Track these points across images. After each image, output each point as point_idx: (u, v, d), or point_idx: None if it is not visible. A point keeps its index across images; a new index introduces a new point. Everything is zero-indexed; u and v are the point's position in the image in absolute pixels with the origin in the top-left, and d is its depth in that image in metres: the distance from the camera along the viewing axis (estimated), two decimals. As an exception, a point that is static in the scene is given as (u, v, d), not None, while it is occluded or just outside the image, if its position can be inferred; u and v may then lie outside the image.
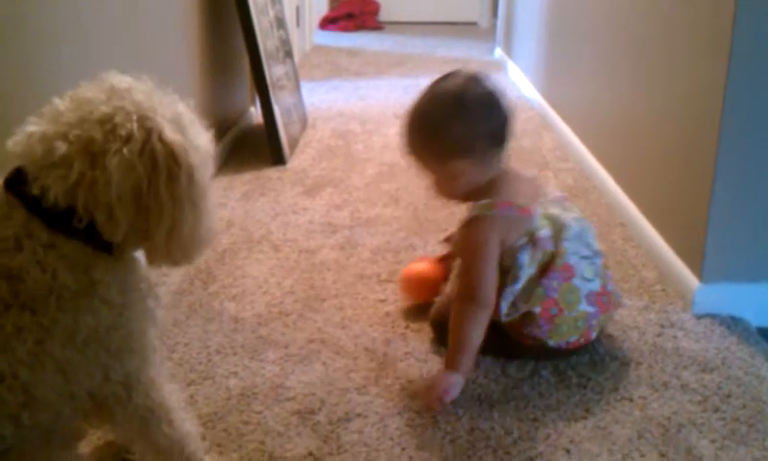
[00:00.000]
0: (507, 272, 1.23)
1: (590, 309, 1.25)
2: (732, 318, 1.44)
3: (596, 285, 1.25)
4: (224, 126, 2.46)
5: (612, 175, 2.05)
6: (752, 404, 1.19)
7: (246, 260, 1.68)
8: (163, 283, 1.56)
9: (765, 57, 1.34)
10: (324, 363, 1.29)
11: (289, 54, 2.85)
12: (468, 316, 1.20)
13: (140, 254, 0.88)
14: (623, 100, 1.99)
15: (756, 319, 1.44)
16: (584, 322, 1.25)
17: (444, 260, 1.48)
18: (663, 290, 1.55)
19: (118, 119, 0.79)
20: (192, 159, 0.81)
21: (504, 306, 1.23)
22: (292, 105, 2.65)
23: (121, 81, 0.83)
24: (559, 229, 1.25)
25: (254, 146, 2.55)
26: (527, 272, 1.22)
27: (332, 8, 5.85)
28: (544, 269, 1.23)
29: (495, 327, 1.25)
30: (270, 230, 1.85)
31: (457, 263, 1.31)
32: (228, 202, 2.04)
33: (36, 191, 0.78)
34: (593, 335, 1.28)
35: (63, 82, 1.29)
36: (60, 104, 0.81)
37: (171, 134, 0.80)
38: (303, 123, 2.80)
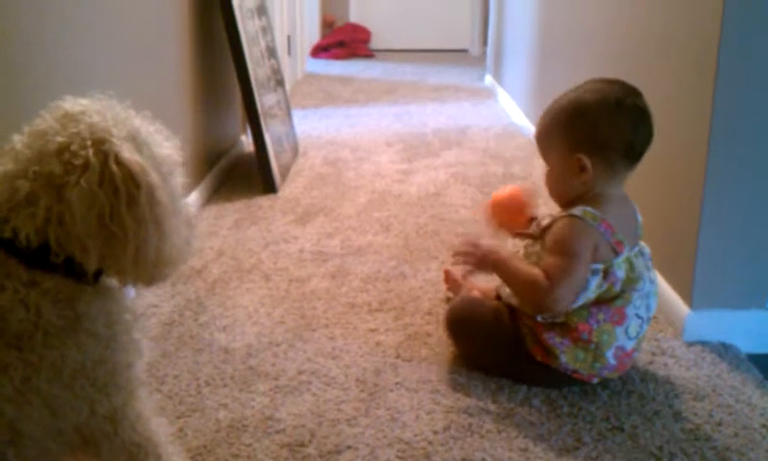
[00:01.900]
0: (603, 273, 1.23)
1: (612, 362, 1.25)
2: (723, 345, 1.44)
3: (630, 345, 1.26)
4: (215, 155, 2.46)
5: (602, 202, 2.05)
6: (743, 433, 1.18)
7: (236, 290, 1.67)
8: (153, 314, 1.55)
9: (750, 84, 1.35)
10: (314, 394, 1.28)
11: (280, 82, 2.87)
12: (529, 291, 1.23)
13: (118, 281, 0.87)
14: (612, 127, 2.01)
15: (746, 346, 1.44)
16: (599, 368, 1.26)
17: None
18: (654, 317, 1.55)
19: (74, 147, 0.77)
20: (151, 178, 0.79)
21: (585, 297, 1.23)
22: (283, 133, 2.66)
23: (74, 105, 0.82)
24: (634, 278, 1.24)
25: (246, 175, 2.55)
26: (586, 296, 1.22)
27: (324, 36, 5.90)
28: (600, 300, 1.23)
29: (512, 331, 1.30)
30: (261, 259, 1.85)
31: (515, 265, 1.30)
32: (219, 230, 2.04)
33: (7, 234, 0.77)
34: (595, 380, 1.29)
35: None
36: (19, 140, 0.80)
37: (128, 155, 0.78)
38: (295, 151, 2.81)
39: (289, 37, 4.18)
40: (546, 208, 1.48)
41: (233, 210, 2.20)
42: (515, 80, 3.56)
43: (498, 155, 2.84)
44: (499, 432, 1.18)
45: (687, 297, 1.47)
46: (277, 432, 1.18)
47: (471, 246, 1.32)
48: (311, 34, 5.51)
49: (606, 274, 1.22)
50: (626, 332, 1.24)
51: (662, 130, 1.63)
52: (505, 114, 3.58)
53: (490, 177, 2.55)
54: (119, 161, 0.77)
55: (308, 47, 5.35)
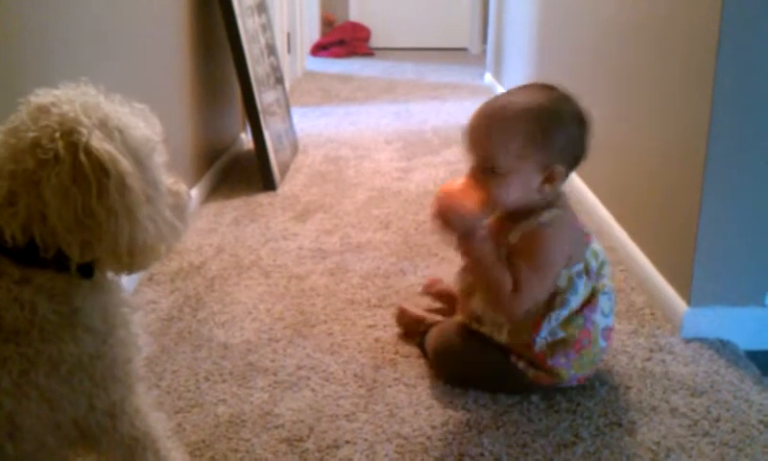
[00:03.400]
0: (556, 295, 1.20)
1: (603, 344, 1.25)
2: (721, 341, 1.44)
3: (610, 321, 1.26)
4: (215, 152, 2.47)
5: (601, 199, 2.06)
6: (741, 429, 1.19)
7: (235, 287, 1.68)
8: (152, 310, 1.55)
9: (749, 82, 1.35)
10: (313, 390, 1.29)
11: (280, 80, 2.87)
12: (502, 298, 1.17)
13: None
14: (611, 126, 2.01)
15: (744, 342, 1.44)
16: (599, 357, 1.26)
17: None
18: (652, 314, 1.55)
19: (44, 141, 0.76)
20: (121, 166, 0.77)
21: (545, 331, 1.21)
22: (283, 131, 2.67)
23: (45, 97, 0.80)
24: (600, 264, 1.24)
25: (245, 172, 2.55)
26: (578, 300, 1.21)
27: (323, 34, 5.90)
28: (587, 300, 1.22)
29: (509, 371, 1.25)
30: (260, 255, 1.85)
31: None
32: (219, 227, 2.04)
33: None
34: (593, 372, 1.29)
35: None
36: None
37: (96, 144, 0.76)
38: (294, 149, 2.81)
39: (289, 35, 4.18)
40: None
41: (233, 207, 2.20)
42: (514, 78, 3.56)
43: (498, 152, 2.84)
44: (498, 428, 1.19)
45: (686, 293, 1.47)
46: (276, 427, 1.19)
47: (461, 213, 1.16)
48: (311, 32, 5.51)
49: (587, 272, 1.21)
50: (602, 313, 1.24)
51: (662, 127, 1.63)
52: (504, 112, 3.57)
53: (489, 174, 2.55)
54: (88, 151, 0.76)
55: (308, 45, 5.35)
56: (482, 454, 1.13)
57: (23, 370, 0.77)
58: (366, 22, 5.94)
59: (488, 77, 4.40)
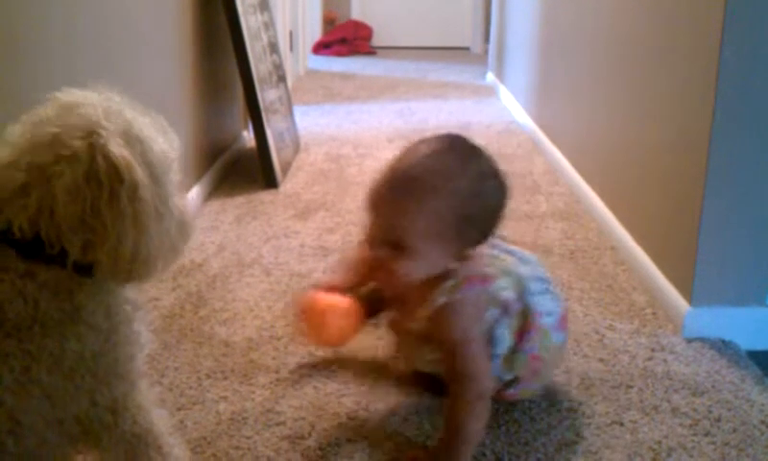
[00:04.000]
0: (486, 347, 1.13)
1: (562, 337, 1.22)
2: (722, 341, 1.44)
3: (558, 310, 1.22)
4: (216, 150, 2.47)
5: (603, 199, 2.06)
6: (742, 429, 1.19)
7: (237, 284, 1.68)
8: (154, 307, 1.55)
9: (752, 81, 1.35)
10: (314, 387, 1.29)
11: (282, 78, 2.87)
12: (482, 416, 1.08)
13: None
14: (614, 124, 2.01)
15: (745, 342, 1.44)
16: (560, 350, 1.24)
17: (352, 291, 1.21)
18: (654, 314, 1.55)
19: (65, 139, 0.76)
20: (136, 175, 0.77)
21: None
22: (285, 129, 2.67)
23: (70, 96, 0.81)
24: (517, 281, 1.16)
25: (247, 170, 2.55)
26: (506, 345, 1.15)
27: (325, 32, 5.90)
28: (521, 333, 1.16)
29: None
30: (261, 253, 1.85)
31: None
32: (221, 225, 2.04)
33: (2, 225, 0.77)
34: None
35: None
36: (16, 130, 0.80)
37: (115, 149, 0.77)
38: (296, 147, 2.81)
39: (291, 33, 4.18)
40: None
41: (234, 205, 2.20)
42: (516, 77, 3.56)
43: (500, 152, 2.84)
44: (499, 427, 1.19)
45: (687, 293, 1.47)
46: (278, 425, 1.19)
47: None
48: (313, 30, 5.51)
49: (504, 309, 1.14)
50: (548, 314, 1.18)
51: (664, 126, 1.63)
52: (507, 112, 3.58)
53: (491, 173, 2.55)
54: (105, 154, 0.76)
55: (310, 44, 5.35)
56: (483, 453, 1.13)
57: (25, 366, 0.77)
58: (368, 21, 5.94)
59: (490, 76, 4.40)
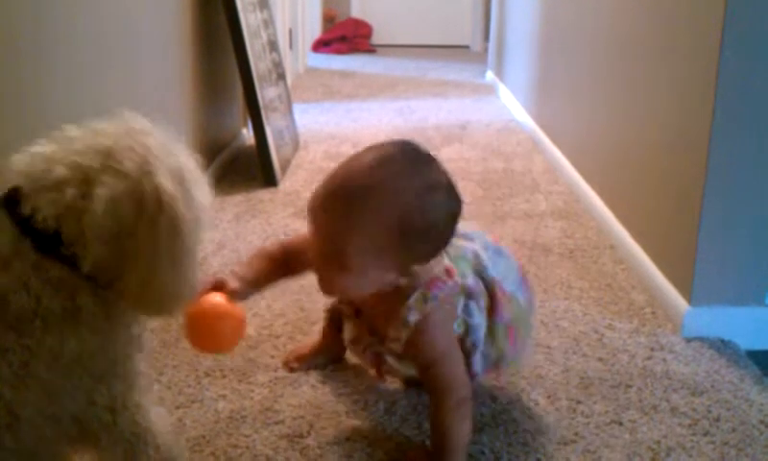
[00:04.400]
0: (463, 338, 1.11)
1: (527, 293, 1.19)
2: (722, 341, 1.44)
3: (515, 268, 1.19)
4: (216, 147, 2.46)
5: (603, 198, 2.06)
6: (741, 428, 1.19)
7: (236, 282, 1.67)
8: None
9: (752, 80, 1.35)
10: (313, 386, 1.29)
11: (281, 76, 2.87)
12: (466, 417, 1.08)
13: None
14: (614, 123, 2.01)
15: (744, 342, 1.44)
16: (530, 308, 1.21)
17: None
18: (653, 313, 1.55)
19: (120, 155, 0.78)
20: (178, 210, 0.79)
21: (478, 368, 1.14)
22: (284, 127, 2.66)
23: (137, 121, 0.83)
24: (473, 260, 1.13)
25: (246, 168, 2.55)
26: (482, 328, 1.12)
27: (325, 30, 5.89)
28: (491, 308, 1.13)
29: None
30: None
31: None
32: (220, 223, 2.04)
33: (27, 211, 0.77)
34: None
35: (56, 104, 1.29)
36: (72, 130, 0.81)
37: (163, 181, 0.78)
38: (295, 145, 2.81)
39: (291, 31, 4.18)
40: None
41: (234, 203, 2.20)
42: (516, 76, 3.56)
43: (499, 150, 2.84)
44: (498, 426, 1.19)
45: (687, 293, 1.47)
46: (277, 423, 1.19)
47: None
48: (312, 28, 5.51)
49: (468, 296, 1.10)
50: (506, 279, 1.16)
51: (664, 125, 1.63)
52: (506, 110, 3.58)
53: (490, 173, 2.55)
54: (154, 183, 0.78)
55: (309, 41, 5.34)
56: (482, 452, 1.13)
57: (23, 361, 0.77)
58: (367, 19, 5.94)
59: (489, 75, 4.40)
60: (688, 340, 1.45)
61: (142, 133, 0.81)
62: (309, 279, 1.68)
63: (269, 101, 2.49)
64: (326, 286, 1.06)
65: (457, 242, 1.13)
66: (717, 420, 1.21)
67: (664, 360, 1.38)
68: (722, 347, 1.42)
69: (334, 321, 1.31)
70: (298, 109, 3.31)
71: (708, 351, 1.41)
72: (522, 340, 1.20)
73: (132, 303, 0.83)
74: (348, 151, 2.79)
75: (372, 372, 1.21)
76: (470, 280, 1.11)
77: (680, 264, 1.51)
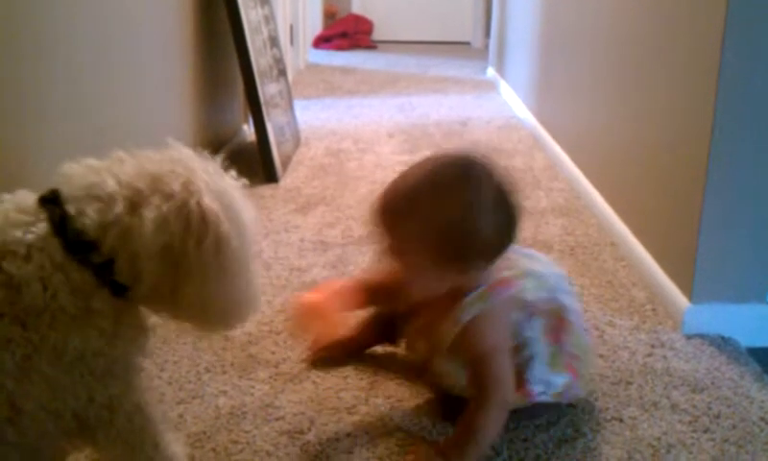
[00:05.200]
0: (518, 351, 1.12)
1: (588, 337, 1.23)
2: (722, 338, 1.44)
3: (579, 310, 1.22)
4: (216, 143, 2.46)
5: (603, 195, 2.06)
6: (741, 425, 1.19)
7: (237, 278, 1.67)
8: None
9: (754, 78, 1.35)
10: (314, 382, 1.29)
11: (282, 72, 2.86)
12: (500, 421, 1.09)
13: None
14: (615, 121, 2.01)
15: (745, 339, 1.44)
16: (591, 351, 1.24)
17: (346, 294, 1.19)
18: (653, 310, 1.55)
19: (166, 179, 0.82)
20: (223, 228, 0.83)
21: (536, 388, 1.14)
22: (285, 123, 2.66)
23: (182, 150, 0.88)
24: (541, 280, 1.16)
25: (247, 164, 2.54)
26: (541, 346, 1.13)
27: (326, 26, 5.89)
28: (555, 331, 1.15)
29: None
30: (261, 247, 1.85)
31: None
32: (220, 219, 2.04)
33: (70, 211, 0.80)
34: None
35: (57, 101, 1.29)
36: (124, 155, 0.86)
37: (208, 201, 0.83)
38: (296, 141, 2.80)
39: (292, 27, 4.17)
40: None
41: (234, 199, 2.19)
42: (517, 72, 3.56)
43: (500, 147, 2.84)
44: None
45: (687, 290, 1.47)
46: (277, 419, 1.19)
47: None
48: (313, 24, 5.50)
49: (529, 311, 1.13)
50: (575, 313, 1.18)
51: (665, 123, 1.63)
52: (507, 107, 3.57)
53: (491, 169, 2.55)
54: (199, 203, 0.82)
55: (310, 38, 5.34)
56: (482, 448, 1.13)
57: (26, 354, 0.78)
58: (368, 15, 5.93)
59: (490, 71, 4.39)
60: (689, 337, 1.45)
61: (186, 159, 0.86)
62: (310, 275, 1.68)
63: (270, 97, 2.49)
64: (402, 289, 1.11)
65: (522, 259, 1.18)
66: (717, 417, 1.21)
67: (665, 357, 1.38)
68: (722, 344, 1.42)
69: (377, 326, 1.33)
70: (299, 106, 3.31)
71: (709, 349, 1.41)
72: (583, 375, 1.19)
73: (188, 318, 0.88)
74: (349, 147, 2.80)
75: (421, 380, 1.25)
76: (535, 296, 1.14)
77: (680, 261, 1.51)
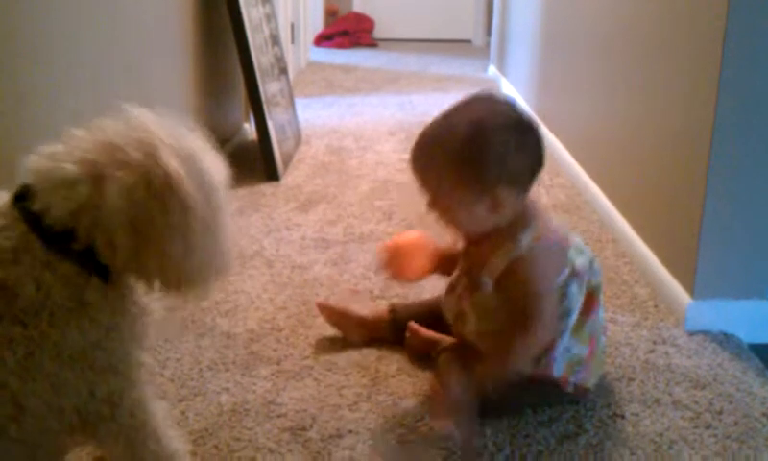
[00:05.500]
0: (560, 300, 1.15)
1: (603, 339, 1.25)
2: (724, 334, 1.44)
3: (603, 315, 1.24)
4: (218, 142, 2.45)
5: (605, 191, 2.06)
6: (743, 421, 1.19)
7: (239, 276, 1.68)
8: (156, 299, 1.55)
9: (755, 75, 1.35)
10: (315, 379, 1.29)
11: (284, 71, 2.86)
12: (530, 355, 1.12)
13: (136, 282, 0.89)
14: (616, 117, 2.01)
15: (747, 335, 1.44)
16: (603, 355, 1.25)
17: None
18: (655, 306, 1.55)
19: (126, 147, 0.80)
20: (188, 190, 0.81)
21: (560, 347, 1.16)
22: (286, 121, 2.66)
23: (140, 113, 0.85)
24: (590, 261, 1.19)
25: (249, 162, 2.55)
26: (577, 304, 1.16)
27: (327, 25, 5.88)
28: (587, 305, 1.18)
29: (555, 395, 1.20)
30: (263, 245, 1.85)
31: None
32: (222, 217, 2.04)
33: (38, 207, 0.79)
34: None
35: (58, 98, 1.29)
36: (76, 132, 0.83)
37: (171, 164, 0.81)
38: (297, 139, 2.80)
39: (293, 26, 4.17)
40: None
41: (236, 198, 2.20)
42: (518, 71, 3.56)
43: (501, 144, 2.83)
44: (501, 418, 1.19)
45: (689, 286, 1.47)
46: (279, 416, 1.19)
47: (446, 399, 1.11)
48: (315, 22, 5.50)
49: (575, 273, 1.16)
50: (601, 308, 1.22)
51: (666, 119, 1.63)
52: (508, 104, 3.57)
53: (492, 166, 2.55)
54: (161, 167, 0.80)
55: (312, 36, 5.34)
56: (485, 445, 1.13)
57: (29, 352, 0.78)
58: (370, 13, 5.92)
59: (491, 69, 4.39)
60: (691, 333, 1.45)
61: (143, 123, 0.83)
62: (312, 273, 1.68)
63: (271, 95, 2.49)
64: (450, 228, 1.17)
65: (573, 237, 1.22)
66: (720, 413, 1.21)
67: (667, 353, 1.38)
68: (724, 340, 1.42)
69: (399, 321, 1.37)
70: (300, 104, 3.31)
71: (711, 345, 1.41)
72: (596, 363, 1.22)
73: (156, 282, 0.85)
74: (350, 145, 2.79)
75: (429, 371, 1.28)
76: (580, 264, 1.17)
77: (682, 258, 1.50)
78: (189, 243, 0.82)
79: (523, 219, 1.14)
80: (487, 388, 1.11)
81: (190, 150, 0.85)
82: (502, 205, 1.11)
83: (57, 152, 0.81)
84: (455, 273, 1.25)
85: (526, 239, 1.12)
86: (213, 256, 0.86)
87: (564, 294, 1.15)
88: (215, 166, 0.88)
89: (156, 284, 0.86)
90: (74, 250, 0.80)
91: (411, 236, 1.30)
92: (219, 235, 0.86)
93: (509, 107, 1.14)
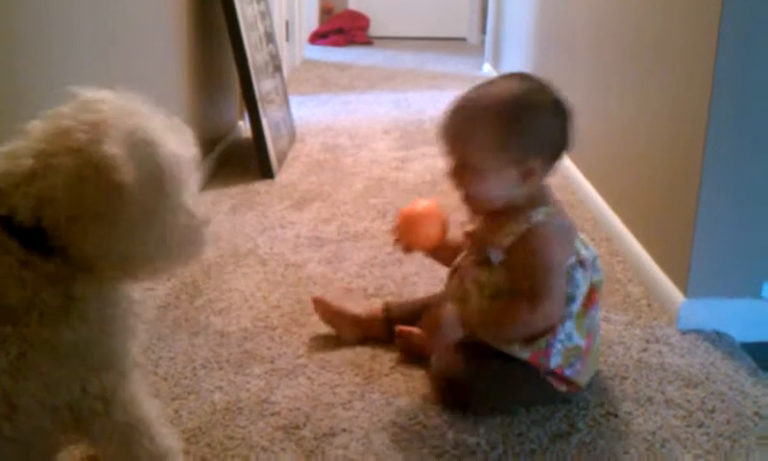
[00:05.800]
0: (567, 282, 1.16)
1: (597, 340, 1.24)
2: (717, 333, 1.44)
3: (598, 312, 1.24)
4: (212, 140, 2.46)
5: (598, 190, 2.06)
6: (735, 420, 1.19)
7: (232, 274, 1.67)
8: (149, 297, 1.55)
9: (748, 74, 1.35)
10: (309, 378, 1.29)
11: (278, 68, 2.86)
12: (532, 327, 1.13)
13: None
14: (610, 116, 2.01)
15: (740, 334, 1.44)
16: (597, 354, 1.26)
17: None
18: (648, 305, 1.55)
19: (73, 132, 0.78)
20: (123, 175, 0.77)
21: (561, 333, 1.16)
22: (281, 119, 2.66)
23: (93, 95, 0.82)
24: (593, 257, 1.20)
25: (243, 160, 2.54)
26: (581, 293, 1.16)
27: (322, 22, 5.88)
28: (588, 298, 1.18)
29: (543, 389, 1.19)
30: (257, 243, 1.85)
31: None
32: (216, 215, 2.03)
33: (3, 211, 0.77)
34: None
35: (54, 102, 1.29)
36: (36, 122, 0.81)
37: (107, 147, 0.77)
38: (292, 137, 2.80)
39: (288, 23, 4.16)
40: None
41: (230, 195, 2.19)
42: (513, 68, 3.56)
43: (496, 143, 2.84)
44: (494, 417, 1.19)
45: (682, 285, 1.47)
46: (273, 415, 1.19)
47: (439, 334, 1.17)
48: (309, 20, 5.49)
49: (580, 262, 1.17)
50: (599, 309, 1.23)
51: (660, 118, 1.63)
52: (503, 103, 3.57)
53: (487, 165, 2.55)
54: (102, 152, 0.77)
55: (307, 34, 5.33)
56: (478, 443, 1.13)
57: (21, 351, 0.77)
58: (365, 11, 5.92)
59: (486, 67, 4.39)
60: (684, 332, 1.45)
61: (97, 104, 0.81)
62: (305, 271, 1.68)
63: (265, 93, 2.49)
64: (469, 200, 1.19)
65: (586, 239, 1.23)
66: (712, 411, 1.21)
67: (660, 352, 1.38)
68: (717, 339, 1.43)
69: (393, 320, 1.37)
70: (294, 102, 3.30)
71: (704, 344, 1.41)
72: (591, 360, 1.22)
73: (101, 270, 0.82)
74: (344, 143, 2.79)
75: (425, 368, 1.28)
76: (585, 255, 1.18)
77: (675, 256, 1.51)
78: (126, 230, 0.79)
79: (538, 198, 1.17)
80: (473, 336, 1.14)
81: (142, 131, 0.81)
82: (532, 175, 1.14)
83: (17, 148, 0.79)
84: (460, 256, 1.26)
85: (540, 215, 1.14)
86: (162, 241, 0.83)
87: (570, 278, 1.16)
88: (180, 148, 0.85)
89: (101, 269, 0.82)
90: (50, 246, 0.78)
91: (423, 204, 1.31)
92: (169, 220, 0.83)
93: (549, 86, 1.19)
